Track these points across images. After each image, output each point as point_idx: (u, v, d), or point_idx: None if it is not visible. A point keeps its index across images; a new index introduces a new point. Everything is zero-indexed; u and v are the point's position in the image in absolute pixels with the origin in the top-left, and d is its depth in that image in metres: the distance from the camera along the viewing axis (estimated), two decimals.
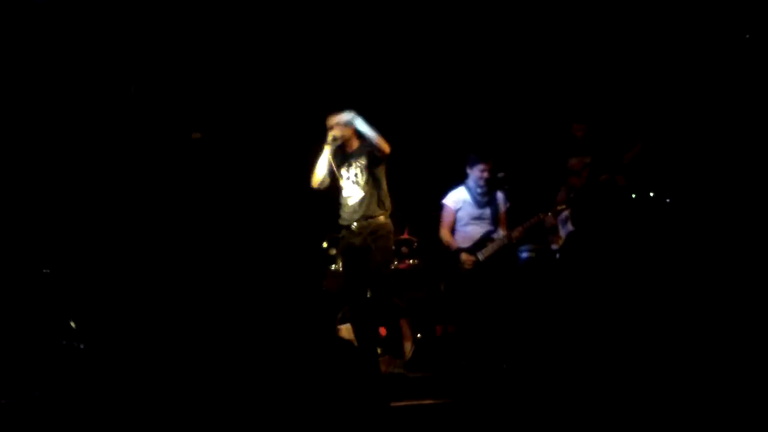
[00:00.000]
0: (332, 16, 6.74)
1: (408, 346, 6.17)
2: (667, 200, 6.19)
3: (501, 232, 6.01)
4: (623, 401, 4.23)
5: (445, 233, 6.14)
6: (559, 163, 6.22)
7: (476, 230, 6.07)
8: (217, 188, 6.51)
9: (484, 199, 6.04)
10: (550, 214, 6.03)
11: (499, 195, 6.06)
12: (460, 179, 6.21)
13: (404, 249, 6.51)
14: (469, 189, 6.09)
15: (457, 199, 6.13)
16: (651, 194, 6.19)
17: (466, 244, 6.05)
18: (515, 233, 5.95)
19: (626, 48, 6.70)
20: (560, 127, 6.42)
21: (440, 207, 6.20)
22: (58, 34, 5.93)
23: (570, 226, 6.05)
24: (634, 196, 5.85)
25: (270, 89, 6.78)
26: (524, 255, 6.32)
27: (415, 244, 6.58)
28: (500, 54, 7.12)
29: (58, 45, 5.95)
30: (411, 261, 6.52)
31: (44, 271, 5.31)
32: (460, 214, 6.11)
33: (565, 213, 6.07)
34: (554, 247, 6.22)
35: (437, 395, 4.92)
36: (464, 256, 6.02)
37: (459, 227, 6.13)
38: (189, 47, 6.46)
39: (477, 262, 6.00)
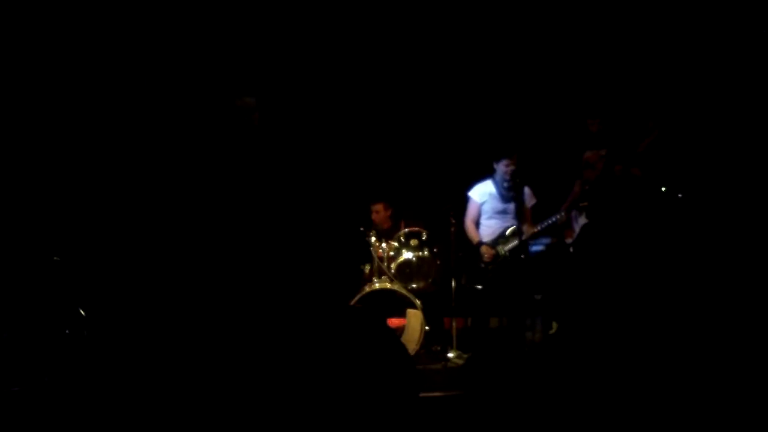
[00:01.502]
0: (366, 9, 6.74)
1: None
2: (679, 195, 6.13)
3: (524, 228, 6.04)
4: (634, 395, 4.21)
5: (469, 226, 6.24)
6: (574, 158, 6.21)
7: (499, 224, 6.14)
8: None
9: (510, 193, 6.08)
10: (563, 214, 6.03)
11: (527, 190, 6.12)
12: (468, 173, 6.25)
13: (413, 241, 6.49)
14: (495, 183, 6.13)
15: (483, 192, 6.19)
16: (663, 189, 6.13)
17: (488, 238, 6.09)
18: (533, 230, 6.00)
19: (639, 40, 6.66)
20: (575, 122, 6.40)
21: (466, 199, 6.27)
22: (68, 22, 5.92)
23: (583, 220, 6.06)
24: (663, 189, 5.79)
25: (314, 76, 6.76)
26: (534, 248, 6.33)
27: (425, 235, 6.56)
28: (515, 50, 7.10)
29: (69, 32, 5.94)
30: (420, 253, 6.49)
31: (54, 258, 5.30)
32: (484, 207, 6.19)
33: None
34: (568, 240, 6.22)
35: (446, 388, 4.91)
36: (485, 249, 6.07)
37: (483, 220, 6.21)
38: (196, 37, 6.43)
39: (497, 255, 6.04)
